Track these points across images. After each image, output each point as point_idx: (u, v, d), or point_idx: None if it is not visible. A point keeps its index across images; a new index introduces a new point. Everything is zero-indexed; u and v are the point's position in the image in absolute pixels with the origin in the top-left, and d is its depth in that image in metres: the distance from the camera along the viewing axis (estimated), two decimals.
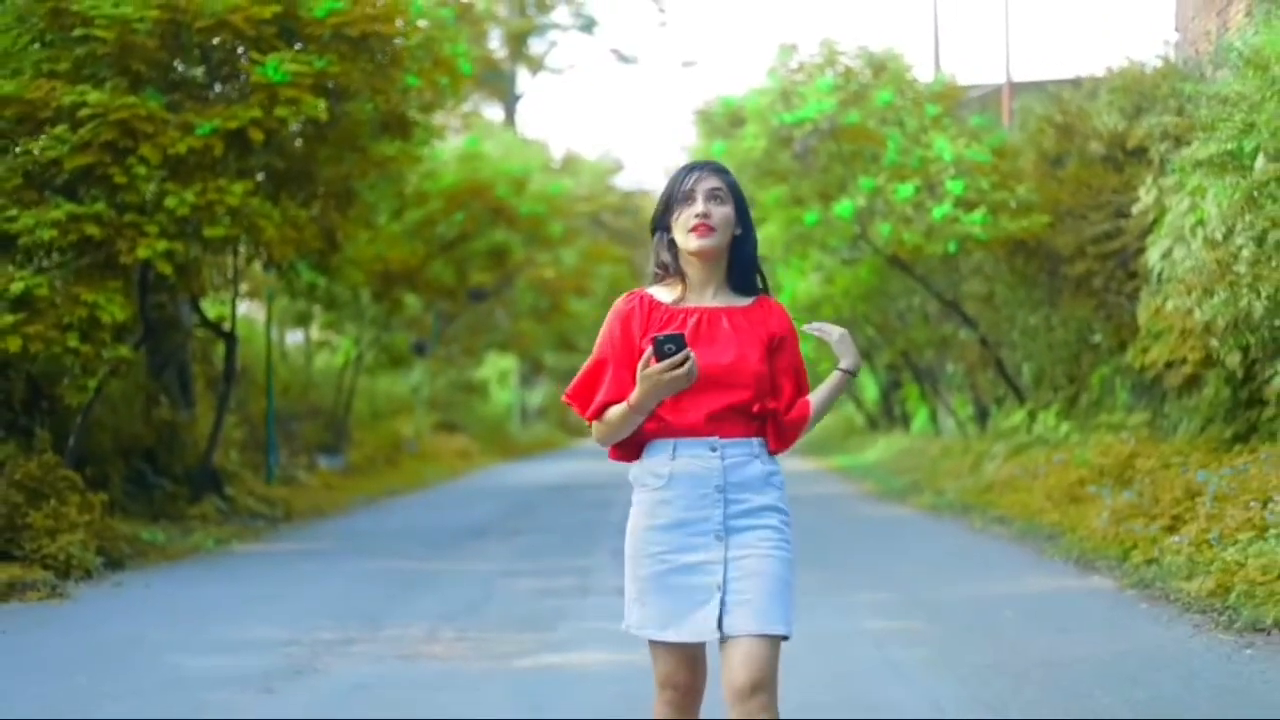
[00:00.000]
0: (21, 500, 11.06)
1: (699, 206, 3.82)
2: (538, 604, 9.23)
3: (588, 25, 48.21)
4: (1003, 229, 15.93)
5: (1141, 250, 14.38)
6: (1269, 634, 7.37)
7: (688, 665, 3.81)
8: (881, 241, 17.00)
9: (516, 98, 47.97)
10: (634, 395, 3.70)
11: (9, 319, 11.07)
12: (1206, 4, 16.29)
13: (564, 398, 3.94)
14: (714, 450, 3.79)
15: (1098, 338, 16.64)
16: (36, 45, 12.03)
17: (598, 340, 3.89)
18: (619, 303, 3.91)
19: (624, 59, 58.15)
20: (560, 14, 47.89)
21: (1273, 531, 8.98)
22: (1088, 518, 11.54)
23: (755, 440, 3.85)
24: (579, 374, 3.89)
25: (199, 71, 12.90)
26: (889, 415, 29.88)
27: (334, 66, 12.03)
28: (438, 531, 14.61)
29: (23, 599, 9.71)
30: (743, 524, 3.79)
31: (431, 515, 16.86)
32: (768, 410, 3.85)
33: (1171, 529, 10.18)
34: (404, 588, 10.29)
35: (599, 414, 3.81)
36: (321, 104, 11.97)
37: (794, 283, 23.08)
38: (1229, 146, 11.42)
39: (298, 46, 12.55)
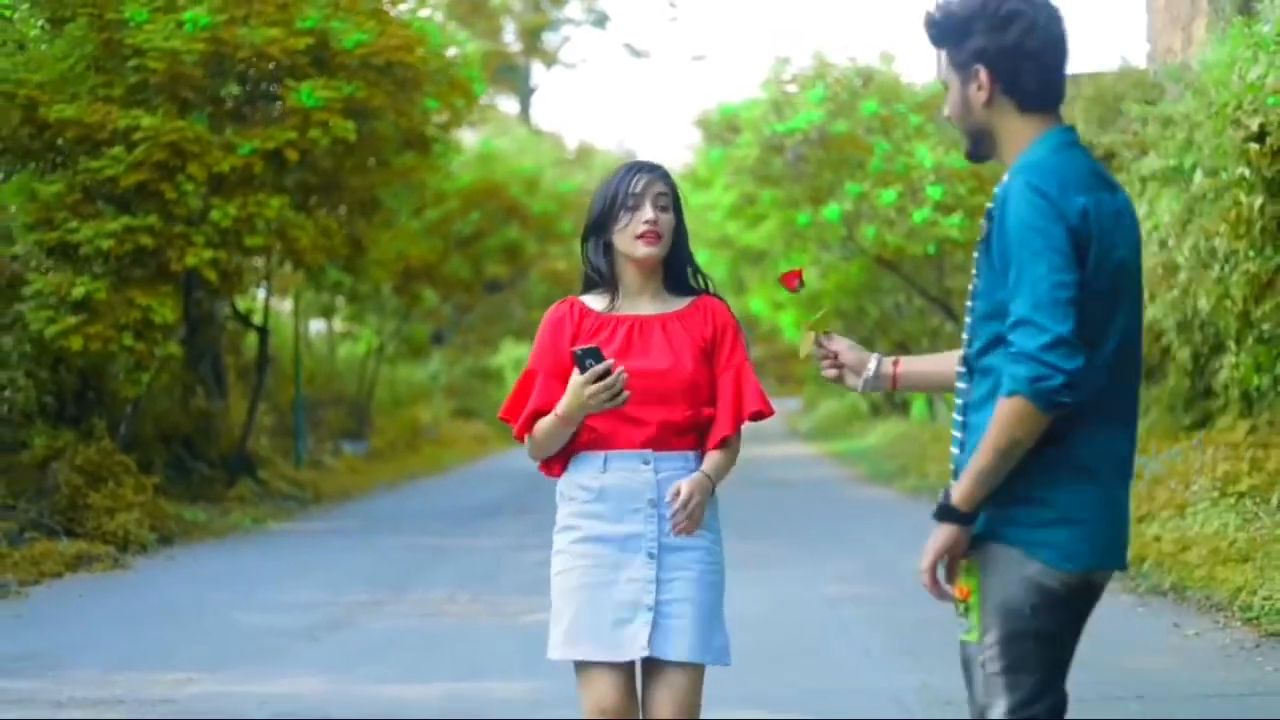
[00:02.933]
0: (82, 483, 12.35)
1: (648, 213, 3.69)
2: (543, 572, 10.35)
3: (600, 20, 49.26)
4: (979, 231, 17.13)
5: None
6: (1165, 595, 8.63)
7: (618, 689, 3.65)
8: (867, 242, 18.24)
9: (531, 90, 49.08)
10: (560, 405, 3.61)
11: (71, 320, 12.36)
12: (1172, 20, 17.37)
13: (500, 416, 3.83)
14: (647, 463, 3.68)
15: None
16: (91, 71, 13.27)
17: (531, 354, 3.80)
18: (549, 311, 3.80)
19: (636, 53, 59.38)
20: (573, 9, 48.91)
21: (1189, 510, 10.22)
22: None
23: (691, 454, 3.72)
24: (512, 391, 3.78)
25: (237, 90, 14.13)
26: (891, 401, 30.98)
27: (361, 92, 13.30)
28: (455, 511, 15.84)
29: (90, 570, 10.98)
30: (676, 542, 3.67)
31: (450, 497, 18.07)
32: (704, 420, 3.74)
33: None
34: (425, 559, 11.57)
35: (529, 425, 3.69)
36: (350, 126, 13.23)
37: None
38: (1171, 162, 12.61)
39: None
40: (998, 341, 2.96)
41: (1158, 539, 9.84)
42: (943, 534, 2.93)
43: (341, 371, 26.06)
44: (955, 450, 3.07)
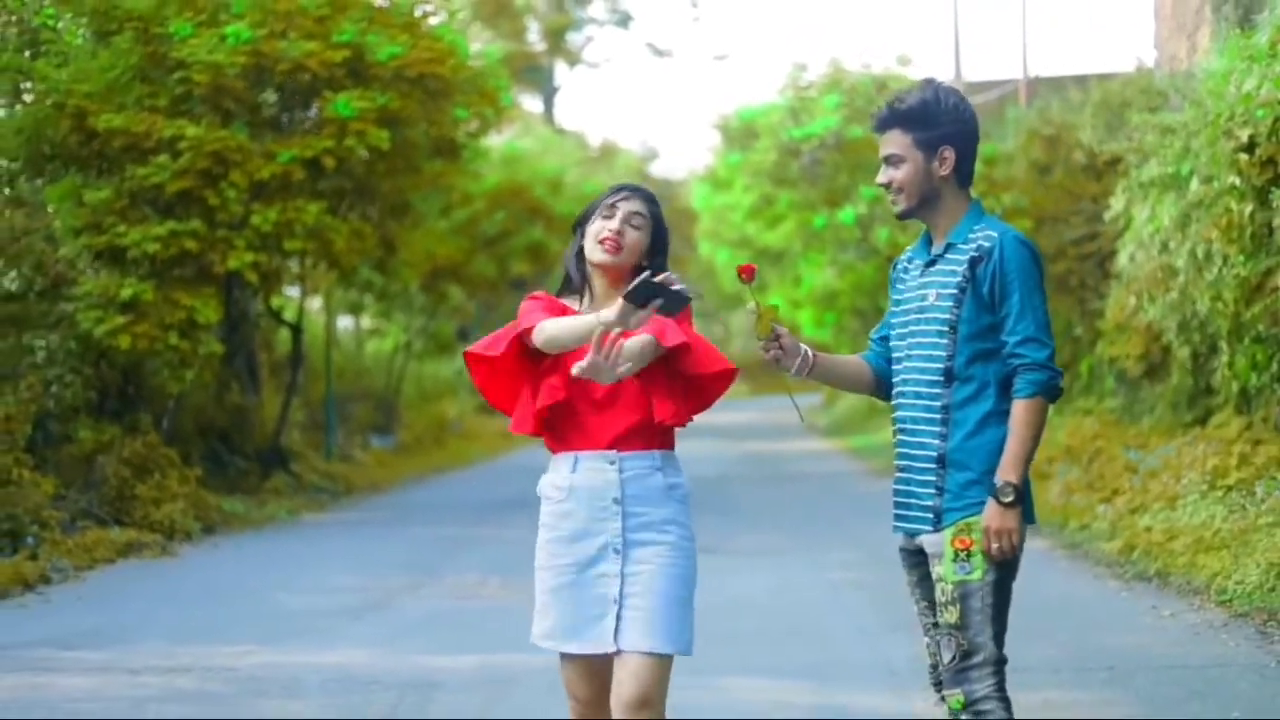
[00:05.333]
0: (129, 475, 13.02)
1: (614, 224, 3.91)
2: None
3: (623, 20, 49.90)
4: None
5: (1114, 253, 16.06)
6: (1150, 581, 9.22)
7: (590, 678, 3.91)
8: (881, 244, 18.84)
9: (554, 90, 49.72)
10: (609, 312, 3.64)
11: (120, 320, 13.05)
12: (1178, 28, 17.85)
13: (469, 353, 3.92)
14: (612, 463, 3.88)
15: (1078, 331, 18.35)
16: (136, 82, 13.89)
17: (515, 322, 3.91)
18: (530, 296, 4.03)
19: (658, 52, 60.13)
20: (596, 9, 49.58)
21: (1180, 502, 10.78)
22: (1045, 491, 13.28)
23: (657, 453, 3.92)
24: (496, 335, 3.90)
25: (273, 97, 14.79)
26: None
27: (395, 102, 13.96)
28: (483, 503, 16.43)
29: (139, 556, 11.63)
30: (642, 537, 3.88)
31: (476, 489, 18.66)
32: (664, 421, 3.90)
33: (1108, 500, 11.97)
34: (456, 548, 12.20)
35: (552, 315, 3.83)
36: (385, 135, 13.89)
37: (812, 276, 24.97)
38: (1170, 169, 13.15)
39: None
40: (978, 356, 3.95)
41: (1148, 529, 10.40)
42: (1016, 512, 3.87)
43: (369, 367, 26.67)
44: (936, 441, 3.99)
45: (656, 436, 3.93)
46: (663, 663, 3.82)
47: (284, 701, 6.46)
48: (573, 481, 3.91)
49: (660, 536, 3.89)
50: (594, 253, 3.92)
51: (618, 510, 3.87)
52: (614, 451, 3.89)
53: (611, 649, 3.82)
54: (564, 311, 3.94)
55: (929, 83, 4.10)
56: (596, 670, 3.89)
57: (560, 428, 3.94)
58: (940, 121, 3.99)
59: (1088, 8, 63.34)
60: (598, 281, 3.98)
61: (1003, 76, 26.54)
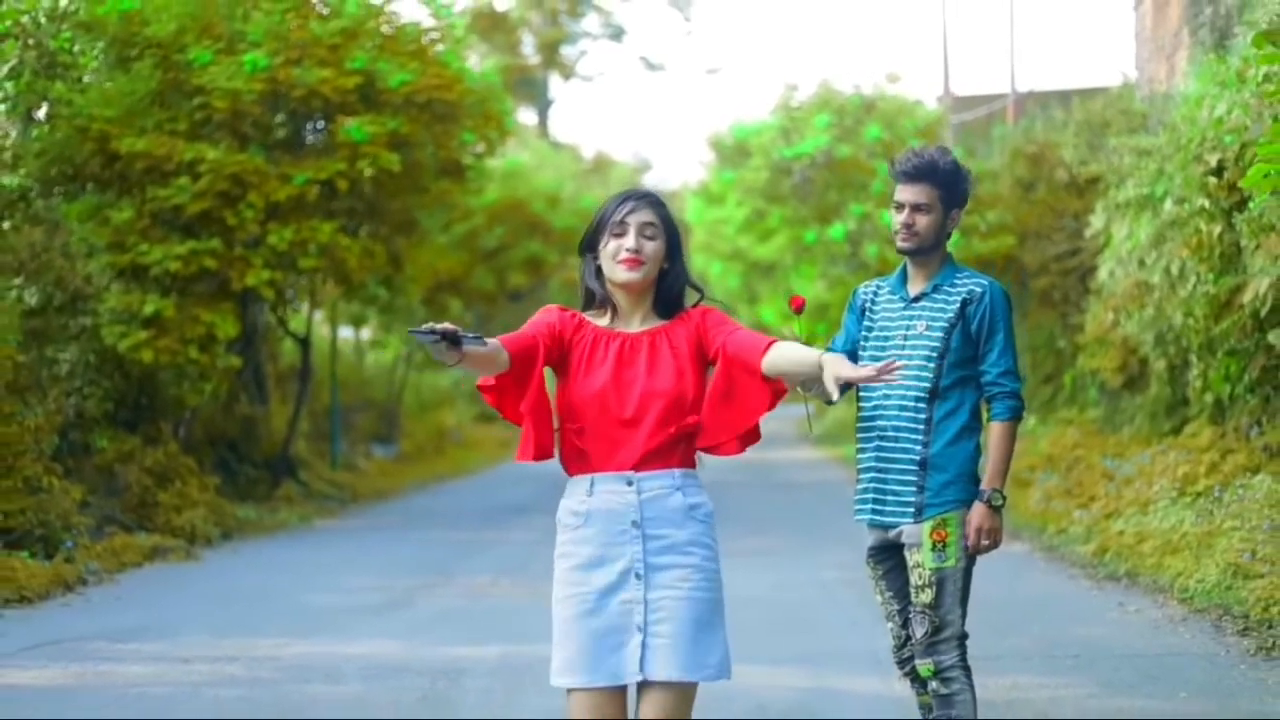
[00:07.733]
0: (151, 483, 13.61)
1: (630, 241, 3.78)
2: None
3: (617, 34, 50.49)
4: (973, 250, 18.37)
5: (1095, 268, 16.65)
6: (1119, 580, 9.85)
7: (603, 710, 3.70)
8: (870, 259, 19.49)
9: (549, 103, 50.31)
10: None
11: (142, 335, 13.68)
12: (1158, 49, 18.48)
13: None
14: (629, 484, 3.72)
15: (1061, 344, 18.96)
16: (155, 106, 14.48)
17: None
18: (555, 306, 3.95)
19: (651, 66, 60.73)
20: (590, 23, 50.17)
21: (1151, 507, 11.39)
22: (1027, 498, 13.91)
23: (677, 471, 3.77)
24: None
25: (284, 119, 15.39)
26: None
27: (404, 126, 14.61)
28: (486, 509, 17.00)
29: (165, 560, 12.21)
30: (663, 561, 3.72)
31: (479, 496, 19.17)
32: (689, 431, 3.80)
33: (1085, 506, 12.58)
34: (464, 551, 12.80)
35: (508, 342, 3.75)
36: (395, 158, 14.54)
37: (803, 289, 25.61)
38: (1145, 190, 13.76)
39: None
40: (958, 380, 4.73)
41: (1121, 533, 11.01)
42: (1001, 514, 4.73)
43: (371, 378, 27.20)
44: (919, 447, 4.74)
45: (676, 454, 3.80)
46: (687, 691, 3.70)
47: (328, 686, 7.10)
48: (590, 506, 3.77)
49: (683, 559, 3.74)
50: (616, 273, 3.81)
51: (637, 534, 3.73)
52: (632, 473, 3.76)
53: (634, 679, 3.69)
54: (570, 322, 3.88)
55: (948, 150, 4.85)
56: (612, 701, 3.73)
57: (582, 447, 3.82)
58: (959, 186, 4.75)
59: (1075, 24, 63.96)
60: (621, 298, 3.87)
61: (991, 90, 27.10)
